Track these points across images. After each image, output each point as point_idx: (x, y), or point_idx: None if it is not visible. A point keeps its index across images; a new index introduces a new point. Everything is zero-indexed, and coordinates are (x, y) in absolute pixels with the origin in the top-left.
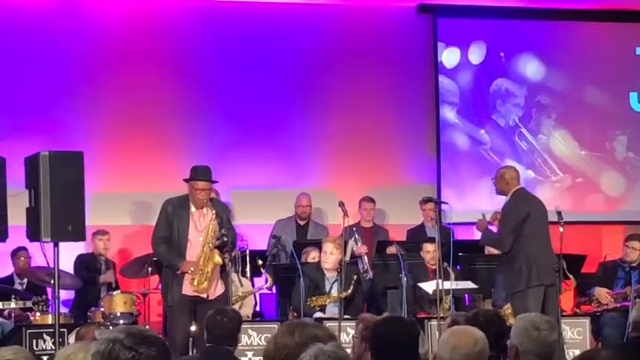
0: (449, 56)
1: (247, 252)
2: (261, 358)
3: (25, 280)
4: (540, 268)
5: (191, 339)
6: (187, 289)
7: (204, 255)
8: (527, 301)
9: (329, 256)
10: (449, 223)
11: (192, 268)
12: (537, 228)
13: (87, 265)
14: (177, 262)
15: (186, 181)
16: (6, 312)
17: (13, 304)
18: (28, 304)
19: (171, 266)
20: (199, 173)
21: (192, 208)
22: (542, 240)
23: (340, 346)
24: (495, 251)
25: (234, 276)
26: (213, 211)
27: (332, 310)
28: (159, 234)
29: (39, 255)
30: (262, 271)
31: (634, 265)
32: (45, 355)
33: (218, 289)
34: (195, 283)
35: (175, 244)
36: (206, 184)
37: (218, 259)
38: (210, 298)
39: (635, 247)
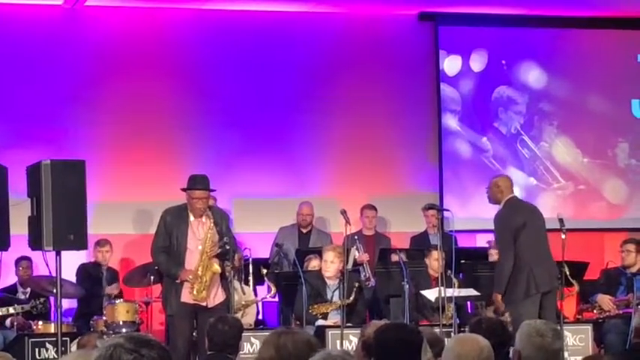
0: (450, 64)
1: (250, 260)
2: None
3: (29, 289)
4: (537, 276)
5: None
6: (186, 297)
7: (203, 264)
8: (524, 309)
9: (329, 265)
10: (451, 231)
11: (190, 277)
12: (532, 236)
13: (89, 274)
14: (176, 271)
15: (183, 190)
16: (8, 321)
17: (12, 310)
18: (27, 307)
19: (170, 275)
20: (196, 182)
21: (191, 217)
22: (538, 247)
23: (348, 353)
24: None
25: (236, 284)
26: (212, 220)
27: (333, 317)
28: (158, 244)
29: (42, 264)
30: (265, 279)
31: (635, 271)
32: None
33: (218, 297)
34: (195, 292)
35: (174, 253)
36: (203, 193)
37: (217, 267)
38: (210, 306)
39: (630, 249)
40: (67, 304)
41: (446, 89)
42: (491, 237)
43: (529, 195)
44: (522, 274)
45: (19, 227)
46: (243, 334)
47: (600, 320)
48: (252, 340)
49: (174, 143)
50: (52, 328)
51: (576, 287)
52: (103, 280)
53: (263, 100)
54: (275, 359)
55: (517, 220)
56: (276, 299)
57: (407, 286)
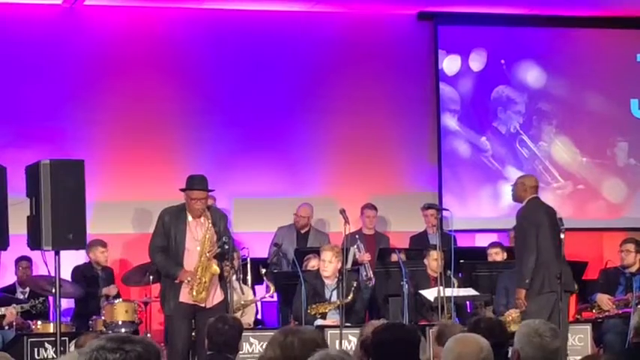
0: (450, 64)
1: (248, 260)
2: None
3: (28, 289)
4: (553, 275)
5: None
6: (185, 297)
7: (202, 264)
8: (534, 306)
9: (328, 265)
10: (450, 231)
11: (189, 278)
12: (550, 236)
13: (84, 275)
14: (175, 272)
15: (182, 190)
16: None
17: (11, 309)
18: (26, 307)
19: (169, 275)
20: (195, 182)
21: (189, 218)
22: (555, 248)
23: (347, 353)
24: (498, 258)
25: (235, 284)
26: (210, 220)
27: (332, 317)
28: (156, 243)
29: (41, 264)
30: (264, 279)
31: (635, 271)
32: None
33: (217, 297)
34: (194, 293)
35: (173, 253)
36: (201, 194)
37: (216, 268)
38: (208, 307)
39: (629, 249)
40: (66, 303)
41: (445, 89)
42: (494, 237)
43: None
44: (539, 272)
45: (18, 227)
46: (242, 334)
47: (599, 320)
48: (251, 340)
49: (174, 143)
50: (50, 328)
51: (575, 287)
52: (100, 280)
53: (263, 100)
54: (280, 358)
55: (538, 219)
56: (275, 299)
57: (406, 286)
